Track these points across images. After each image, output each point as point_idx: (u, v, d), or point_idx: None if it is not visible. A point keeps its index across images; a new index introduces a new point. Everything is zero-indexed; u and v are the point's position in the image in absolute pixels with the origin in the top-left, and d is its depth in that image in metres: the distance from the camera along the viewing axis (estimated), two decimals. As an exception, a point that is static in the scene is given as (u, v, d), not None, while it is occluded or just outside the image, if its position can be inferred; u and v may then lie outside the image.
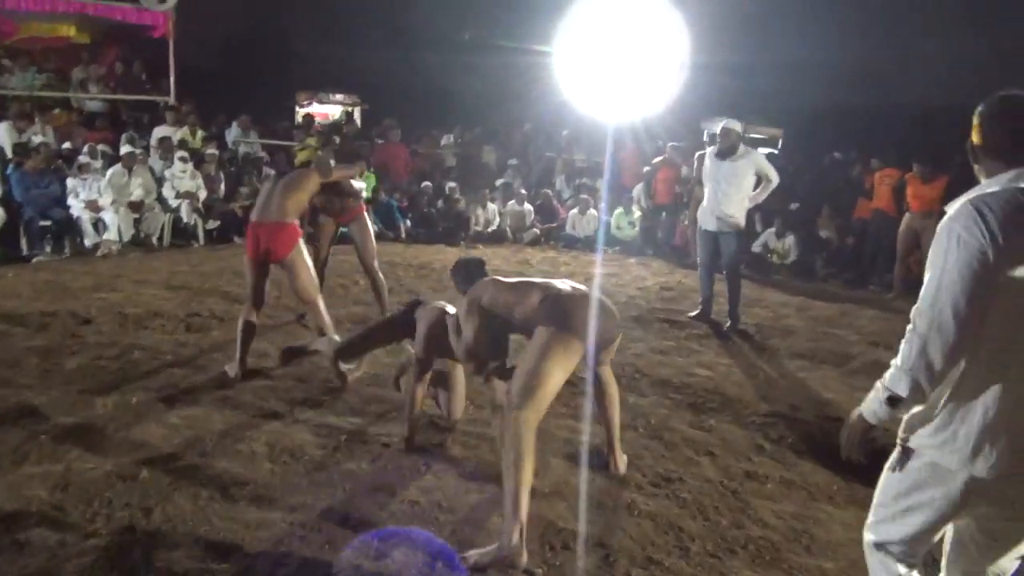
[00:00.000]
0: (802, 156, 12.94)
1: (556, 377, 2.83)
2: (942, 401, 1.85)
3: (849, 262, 9.73)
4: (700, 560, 2.85)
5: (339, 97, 19.69)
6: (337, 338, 4.38)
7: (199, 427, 3.67)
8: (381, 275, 5.75)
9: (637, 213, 10.96)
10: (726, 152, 6.53)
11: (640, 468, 3.58)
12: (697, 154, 6.81)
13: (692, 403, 4.52)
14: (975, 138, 1.91)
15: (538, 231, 11.09)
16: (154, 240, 9.20)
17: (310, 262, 4.58)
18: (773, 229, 10.02)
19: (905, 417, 1.94)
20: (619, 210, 10.99)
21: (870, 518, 2.07)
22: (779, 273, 9.70)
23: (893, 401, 1.84)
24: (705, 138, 15.38)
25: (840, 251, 9.99)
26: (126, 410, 3.84)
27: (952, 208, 1.82)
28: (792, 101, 14.39)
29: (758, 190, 6.58)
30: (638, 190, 11.34)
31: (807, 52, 13.78)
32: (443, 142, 12.88)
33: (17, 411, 3.73)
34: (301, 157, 11.65)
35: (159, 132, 10.40)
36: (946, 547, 2.08)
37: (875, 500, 2.06)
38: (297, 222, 4.53)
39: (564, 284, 3.11)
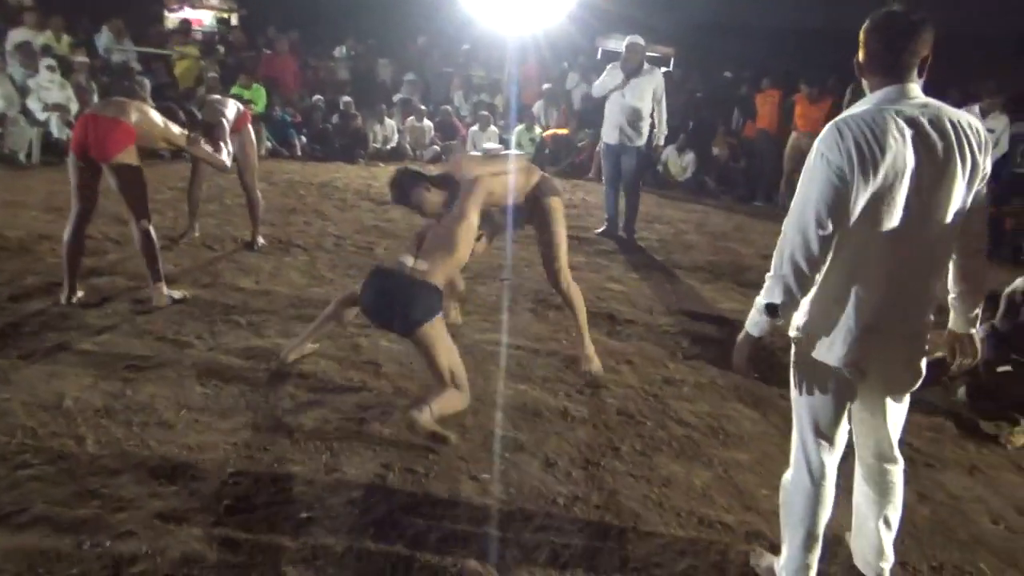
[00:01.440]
0: (695, 75, 13.26)
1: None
2: (809, 301, 2.05)
3: (738, 179, 10.22)
4: (631, 459, 3.06)
5: (213, 1, 18.27)
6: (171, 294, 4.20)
7: (117, 353, 3.51)
8: (259, 193, 5.47)
9: (538, 130, 10.99)
10: (632, 68, 6.66)
11: (567, 378, 3.75)
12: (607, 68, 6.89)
13: (608, 315, 4.73)
14: (859, 54, 2.05)
15: (438, 148, 10.94)
16: (21, 157, 8.41)
17: (143, 176, 4.11)
18: (675, 145, 10.31)
19: (793, 320, 2.12)
20: (520, 127, 10.97)
21: (794, 424, 2.25)
22: (675, 190, 10.07)
23: (771, 309, 1.97)
24: (599, 55, 15.47)
25: (731, 169, 10.44)
26: (30, 340, 3.61)
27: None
28: (684, 18, 14.57)
29: (658, 115, 6.79)
30: (538, 107, 11.34)
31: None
32: (336, 54, 12.31)
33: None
34: (181, 68, 10.91)
35: (16, 36, 9.35)
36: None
37: (793, 408, 2.23)
38: (135, 128, 4.01)
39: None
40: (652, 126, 6.93)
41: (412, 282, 2.96)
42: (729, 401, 3.73)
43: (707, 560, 2.46)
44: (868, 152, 1.87)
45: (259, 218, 5.53)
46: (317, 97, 11.01)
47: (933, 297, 2.08)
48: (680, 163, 10.39)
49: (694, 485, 2.91)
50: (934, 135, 1.92)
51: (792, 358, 2.16)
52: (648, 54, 15.44)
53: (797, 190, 1.98)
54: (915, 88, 1.97)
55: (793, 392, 2.19)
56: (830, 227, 1.90)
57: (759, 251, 6.83)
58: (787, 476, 2.26)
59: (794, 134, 8.80)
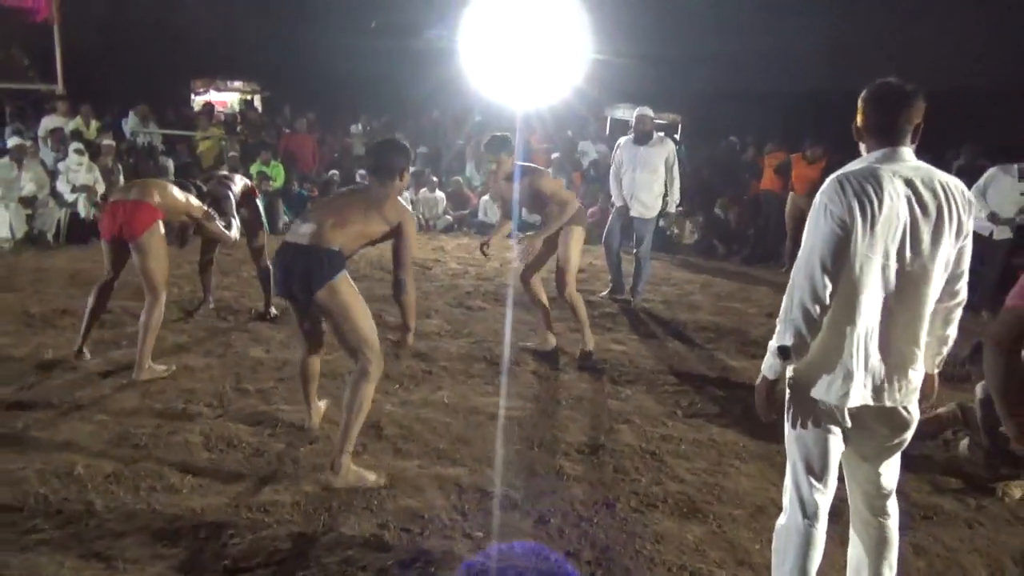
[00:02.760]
0: (700, 140, 13.58)
1: None
2: (813, 345, 2.15)
3: (745, 240, 10.34)
4: (625, 515, 3.11)
5: (237, 84, 19.04)
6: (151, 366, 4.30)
7: (128, 422, 3.65)
8: (269, 264, 5.64)
9: (547, 198, 11.23)
10: (642, 138, 6.87)
11: (565, 438, 3.82)
12: (618, 142, 7.16)
13: (610, 376, 4.81)
14: (858, 119, 2.23)
15: (451, 218, 11.21)
16: (49, 237, 8.78)
17: (165, 253, 4.38)
18: (681, 210, 10.48)
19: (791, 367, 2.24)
20: (530, 195, 11.22)
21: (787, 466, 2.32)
22: (681, 252, 10.20)
23: (784, 352, 2.12)
24: (607, 125, 15.91)
25: (737, 231, 10.57)
26: (47, 409, 3.77)
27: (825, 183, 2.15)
28: (688, 87, 15.00)
29: (670, 183, 6.93)
30: (549, 174, 11.62)
31: (702, 41, 14.40)
32: (352, 130, 12.79)
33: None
34: (203, 147, 11.40)
35: (48, 123, 9.91)
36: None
37: (787, 448, 2.31)
38: (159, 208, 4.30)
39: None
40: (665, 194, 7.05)
41: (312, 248, 3.10)
42: (727, 458, 3.76)
43: (696, 614, 2.49)
44: (868, 203, 2.04)
45: (270, 288, 5.71)
46: (333, 172, 11.39)
47: (921, 346, 2.18)
48: (688, 226, 10.55)
49: (687, 540, 2.94)
50: (926, 194, 2.09)
51: (788, 397, 2.25)
52: (656, 122, 15.89)
53: (803, 240, 2.14)
54: (908, 152, 2.15)
55: (788, 433, 2.28)
56: (833, 271, 2.07)
57: (762, 310, 6.89)
58: (780, 520, 2.32)
59: (791, 195, 8.95)
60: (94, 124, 10.29)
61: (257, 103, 17.48)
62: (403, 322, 3.40)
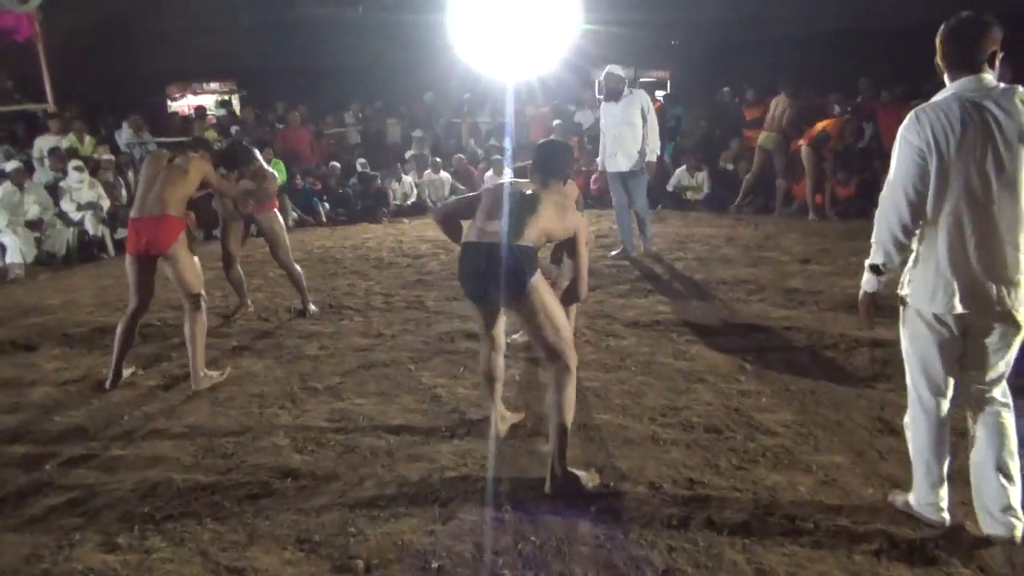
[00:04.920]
0: (694, 94, 13.47)
1: None
2: (911, 261, 2.47)
3: (756, 191, 10.30)
4: (731, 473, 3.09)
5: (214, 85, 18.71)
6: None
7: (208, 432, 3.60)
8: (297, 267, 5.61)
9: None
10: (613, 95, 6.98)
11: (646, 403, 3.79)
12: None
13: (667, 337, 4.78)
14: (938, 55, 2.44)
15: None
16: (60, 258, 8.64)
17: (195, 257, 4.33)
18: (684, 167, 10.44)
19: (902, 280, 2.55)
20: (534, 166, 11.13)
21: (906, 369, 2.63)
22: (695, 209, 10.16)
23: (875, 269, 2.48)
24: (596, 89, 15.78)
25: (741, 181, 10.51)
26: (121, 428, 3.71)
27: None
28: (679, 43, 14.86)
29: (648, 133, 6.98)
30: (550, 145, 11.53)
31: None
32: (346, 120, 12.62)
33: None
34: (200, 152, 11.22)
35: (43, 143, 9.71)
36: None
37: (904, 355, 2.63)
38: (179, 216, 4.22)
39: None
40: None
41: (512, 247, 2.88)
42: (809, 406, 3.75)
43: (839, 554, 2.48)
44: (942, 133, 2.29)
45: (304, 287, 5.64)
46: (333, 163, 11.26)
47: (1015, 249, 2.36)
48: (695, 182, 10.50)
49: (800, 492, 2.93)
50: (1001, 115, 2.29)
51: (901, 315, 2.56)
52: (644, 79, 15.74)
53: (890, 169, 2.41)
54: (988, 77, 2.32)
55: (904, 344, 2.60)
56: (916, 198, 2.34)
57: (794, 257, 6.89)
58: (907, 419, 2.68)
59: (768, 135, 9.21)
60: (88, 139, 10.08)
61: (235, 103, 17.17)
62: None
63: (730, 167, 10.70)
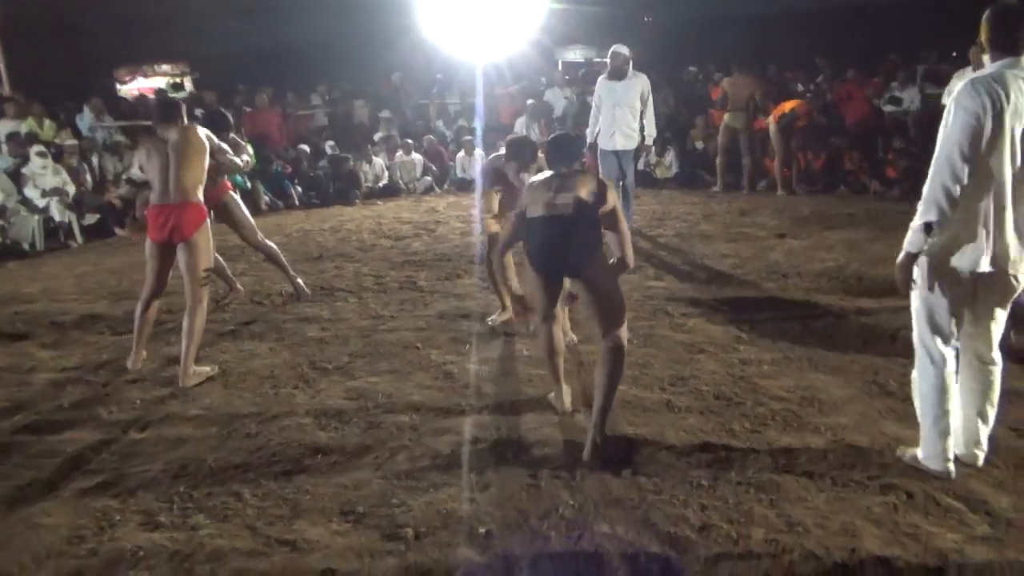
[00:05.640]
0: (659, 73, 13.62)
1: None
2: (952, 221, 2.59)
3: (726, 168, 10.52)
4: (746, 436, 3.24)
5: (165, 68, 18.22)
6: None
7: (227, 414, 3.61)
8: (271, 244, 5.53)
9: (524, 148, 11.19)
10: (617, 74, 7.08)
11: (654, 373, 3.93)
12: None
13: (663, 311, 4.92)
14: (982, 35, 2.63)
15: (430, 179, 11.11)
16: (26, 246, 8.40)
17: (211, 249, 4.32)
18: (653, 146, 10.59)
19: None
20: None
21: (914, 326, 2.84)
22: (665, 187, 10.34)
23: (928, 227, 2.56)
24: (559, 67, 15.83)
25: (710, 159, 10.73)
26: (136, 414, 3.70)
27: (956, 87, 2.59)
28: (641, 23, 14.98)
29: (646, 116, 7.18)
30: (520, 123, 11.57)
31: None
32: (313, 102, 12.46)
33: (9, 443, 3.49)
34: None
35: (0, 128, 9.38)
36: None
37: (914, 312, 2.81)
38: (199, 202, 4.17)
39: None
40: (642, 128, 7.29)
41: (582, 219, 3.07)
42: (808, 372, 3.93)
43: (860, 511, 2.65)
44: (996, 99, 2.46)
45: (287, 266, 5.60)
46: (302, 146, 11.13)
47: None
48: (663, 161, 10.68)
49: (813, 452, 3.09)
50: None
51: (922, 269, 2.68)
52: (598, 60, 15.79)
53: (941, 134, 2.53)
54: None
55: (918, 297, 2.75)
56: (971, 156, 2.48)
57: (771, 232, 7.11)
58: (913, 373, 2.85)
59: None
60: (48, 124, 9.79)
61: (188, 85, 16.73)
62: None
63: (700, 145, 10.90)
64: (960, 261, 2.62)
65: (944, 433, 2.78)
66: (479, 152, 11.11)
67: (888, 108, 9.96)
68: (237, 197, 5.52)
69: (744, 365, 4.03)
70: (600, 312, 3.12)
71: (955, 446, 2.87)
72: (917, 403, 2.85)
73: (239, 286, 5.72)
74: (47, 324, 5.23)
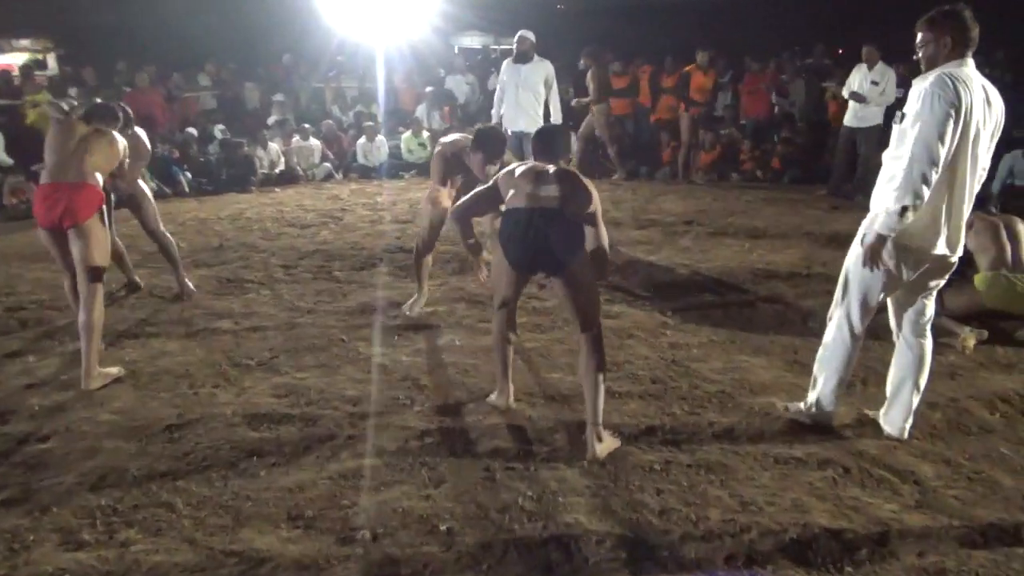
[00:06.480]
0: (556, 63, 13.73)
1: None
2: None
3: (627, 155, 10.75)
4: (686, 419, 3.31)
5: (25, 43, 16.75)
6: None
7: (144, 418, 3.33)
8: (168, 236, 5.20)
9: (426, 134, 11.01)
10: (522, 58, 7.17)
11: (589, 359, 3.93)
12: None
13: (588, 298, 4.95)
14: (944, 36, 2.75)
15: (329, 165, 10.74)
16: None
17: (107, 236, 3.93)
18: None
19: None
20: (407, 133, 10.95)
21: (836, 312, 3.08)
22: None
23: (904, 210, 2.66)
24: (456, 52, 15.68)
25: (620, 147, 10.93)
26: (30, 419, 3.34)
27: (926, 81, 2.71)
28: (536, 10, 15.02)
29: (551, 103, 7.27)
30: (421, 110, 11.38)
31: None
32: (200, 83, 11.76)
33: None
34: (33, 116, 10.06)
35: None
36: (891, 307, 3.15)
37: (842, 292, 3.04)
38: (98, 187, 3.83)
39: None
40: (548, 114, 7.39)
41: (565, 215, 2.95)
42: (734, 354, 4.06)
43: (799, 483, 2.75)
44: (964, 95, 2.63)
45: (179, 261, 5.23)
46: (189, 130, 10.49)
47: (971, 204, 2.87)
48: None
49: (753, 430, 3.19)
50: (991, 95, 2.74)
51: (865, 243, 2.83)
52: (507, 46, 15.82)
53: (918, 124, 2.64)
54: (972, 62, 2.73)
55: (853, 275, 2.95)
56: (948, 143, 2.62)
57: (680, 218, 7.32)
58: (827, 338, 3.11)
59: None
60: None
61: (51, 62, 15.45)
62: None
63: (596, 134, 11.05)
64: (921, 241, 2.80)
65: (839, 391, 3.13)
66: (381, 138, 10.85)
67: (777, 100, 10.46)
68: (141, 182, 5.11)
69: (674, 349, 4.11)
70: (578, 309, 3.03)
71: (887, 423, 3.11)
72: (824, 362, 3.12)
73: (137, 278, 5.32)
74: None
